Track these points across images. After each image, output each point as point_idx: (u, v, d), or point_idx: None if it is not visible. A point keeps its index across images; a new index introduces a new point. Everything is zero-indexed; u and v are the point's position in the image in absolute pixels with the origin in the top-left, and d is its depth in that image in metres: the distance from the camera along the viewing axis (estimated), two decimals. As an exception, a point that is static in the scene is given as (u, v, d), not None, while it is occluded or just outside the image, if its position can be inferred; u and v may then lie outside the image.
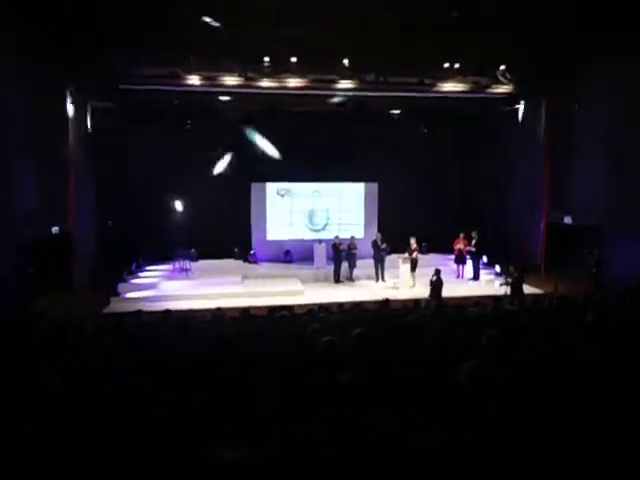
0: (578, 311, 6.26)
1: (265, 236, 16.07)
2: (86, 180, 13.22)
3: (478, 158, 17.62)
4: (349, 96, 13.83)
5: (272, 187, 16.03)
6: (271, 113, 15.08)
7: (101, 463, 2.19)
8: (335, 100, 14.24)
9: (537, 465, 2.16)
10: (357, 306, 7.69)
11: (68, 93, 11.94)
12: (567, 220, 13.41)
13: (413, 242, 13.28)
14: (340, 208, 16.50)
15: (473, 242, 13.96)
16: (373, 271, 13.66)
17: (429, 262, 13.74)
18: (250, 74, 12.26)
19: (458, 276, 14.08)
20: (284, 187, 16.11)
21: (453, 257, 14.34)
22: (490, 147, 17.15)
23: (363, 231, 16.09)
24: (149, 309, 9.41)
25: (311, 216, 16.34)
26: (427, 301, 9.07)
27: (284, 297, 11.51)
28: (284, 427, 2.32)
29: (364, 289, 12.92)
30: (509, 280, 10.10)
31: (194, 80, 12.34)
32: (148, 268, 14.60)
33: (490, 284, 12.97)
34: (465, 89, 13.53)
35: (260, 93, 13.05)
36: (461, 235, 14.07)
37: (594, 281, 11.50)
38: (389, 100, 14.41)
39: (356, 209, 16.54)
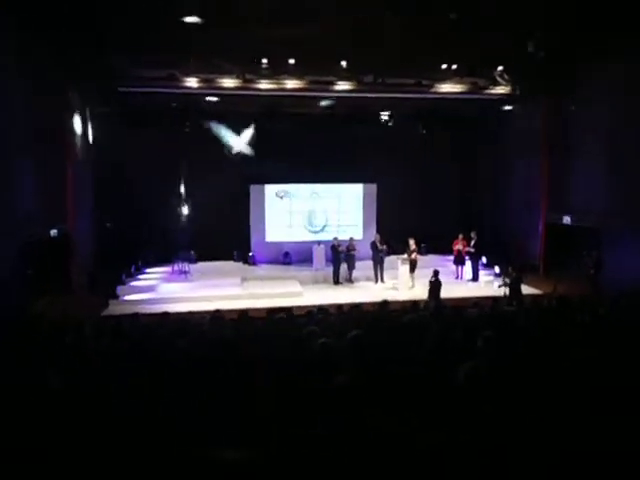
0: (574, 312, 6.27)
1: (264, 238, 16.07)
2: (85, 182, 13.22)
3: (476, 159, 17.65)
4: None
5: (271, 189, 16.03)
6: (269, 115, 15.10)
7: (102, 464, 2.19)
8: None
9: (535, 465, 2.16)
10: (356, 307, 7.69)
11: (68, 94, 11.94)
12: (566, 220, 13.41)
13: (412, 243, 13.28)
14: (339, 209, 16.50)
15: (472, 243, 13.97)
16: (372, 272, 13.66)
17: (428, 263, 13.74)
18: (248, 76, 12.27)
19: (457, 277, 14.09)
20: (283, 189, 16.11)
21: (452, 258, 14.36)
22: (488, 148, 17.18)
23: (362, 232, 16.09)
24: (148, 312, 9.40)
25: (310, 218, 16.34)
26: (426, 302, 9.07)
27: (283, 299, 11.49)
28: (283, 428, 2.32)
29: (363, 290, 12.91)
30: (507, 281, 10.11)
31: (192, 82, 12.35)
32: (147, 270, 14.60)
33: (489, 285, 12.98)
34: (463, 90, 13.56)
35: (258, 95, 13.07)
36: (460, 236, 14.09)
37: (592, 282, 11.50)
38: (387, 101, 14.43)
39: (355, 210, 16.54)
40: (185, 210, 16.10)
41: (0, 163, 9.19)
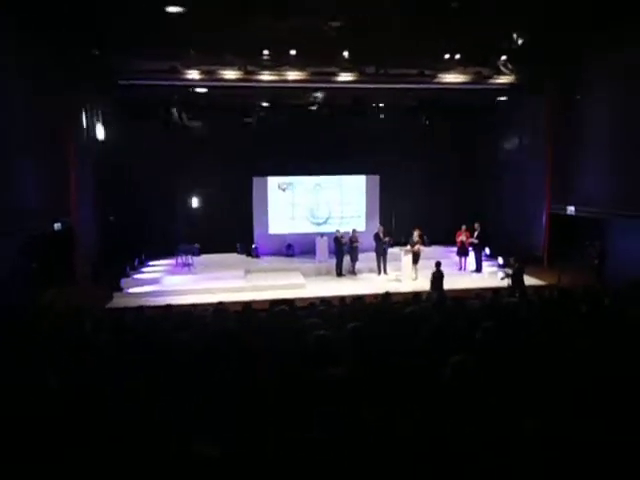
0: (576, 303, 6.26)
1: (267, 230, 16.09)
2: (87, 176, 13.25)
3: (478, 149, 17.54)
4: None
5: (273, 181, 16.02)
6: (271, 106, 15.04)
7: (101, 461, 2.21)
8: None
9: (536, 456, 2.17)
10: (359, 299, 7.71)
11: (69, 90, 11.93)
12: (570, 211, 13.34)
13: (416, 234, 13.28)
14: (342, 201, 16.49)
15: (475, 234, 13.94)
16: (375, 264, 13.68)
17: (432, 254, 13.73)
18: (250, 67, 12.21)
19: (460, 268, 14.08)
20: (285, 181, 16.11)
21: (455, 249, 14.34)
22: (491, 138, 17.05)
23: (365, 224, 16.09)
24: (152, 304, 9.47)
25: (313, 209, 16.33)
26: (428, 294, 9.08)
27: (286, 291, 11.54)
28: (279, 423, 2.35)
29: (366, 282, 12.94)
30: (508, 272, 10.10)
31: (194, 74, 12.30)
32: (151, 263, 14.66)
33: (493, 276, 12.96)
34: (466, 80, 13.44)
35: (260, 87, 13.02)
36: (463, 227, 14.06)
37: (596, 273, 11.47)
38: (389, 92, 14.33)
39: (358, 202, 16.52)
40: (188, 203, 16.16)
41: (3, 159, 9.23)
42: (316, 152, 15.46)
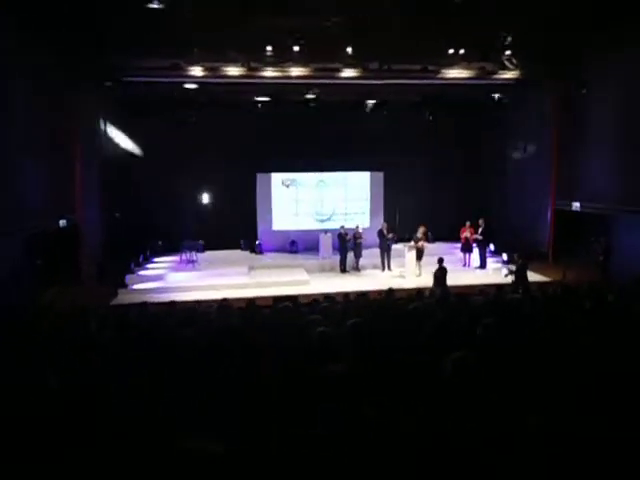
0: (580, 299, 6.24)
1: (271, 227, 16.11)
2: (92, 173, 13.29)
3: (483, 145, 17.47)
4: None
5: (277, 177, 16.02)
6: (275, 103, 15.01)
7: (102, 459, 2.22)
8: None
9: (538, 450, 2.17)
10: (363, 296, 7.72)
11: (70, 90, 11.96)
12: (575, 207, 13.26)
13: (420, 231, 13.25)
14: (346, 198, 16.47)
15: (480, 230, 13.90)
16: (379, 260, 13.67)
17: (435, 251, 13.71)
18: (253, 64, 12.18)
19: (465, 264, 14.06)
20: (289, 177, 16.10)
21: (459, 245, 14.31)
22: (495, 134, 16.98)
23: (369, 220, 16.08)
24: (156, 300, 9.51)
25: (316, 206, 16.33)
26: (431, 290, 9.07)
27: (290, 287, 11.56)
28: (282, 420, 2.36)
29: (370, 279, 12.94)
30: (511, 269, 10.07)
31: (196, 71, 12.29)
32: (155, 260, 14.73)
33: (497, 272, 12.93)
34: (470, 75, 13.35)
35: (264, 83, 13.00)
36: (467, 223, 14.03)
37: (601, 269, 11.42)
38: (393, 88, 14.26)
39: (362, 199, 16.50)
40: (192, 199, 16.20)
41: (8, 157, 9.27)
42: (320, 149, 15.45)
